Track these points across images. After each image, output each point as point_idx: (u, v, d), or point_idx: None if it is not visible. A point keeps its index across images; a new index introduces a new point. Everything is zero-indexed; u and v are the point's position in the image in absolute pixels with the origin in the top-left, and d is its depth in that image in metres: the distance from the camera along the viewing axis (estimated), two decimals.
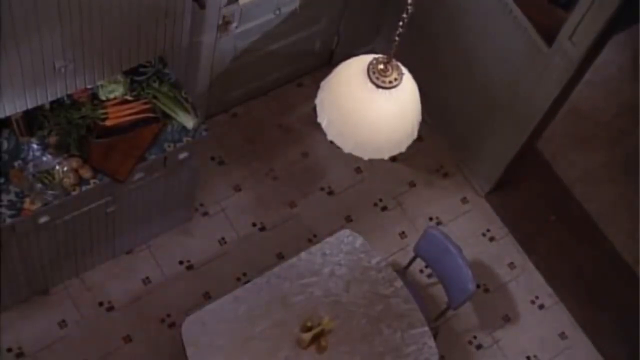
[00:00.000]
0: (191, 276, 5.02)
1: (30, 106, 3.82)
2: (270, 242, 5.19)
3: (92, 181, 4.15)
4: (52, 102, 4.13)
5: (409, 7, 2.59)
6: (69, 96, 4.20)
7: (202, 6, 4.13)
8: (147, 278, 4.97)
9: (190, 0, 3.87)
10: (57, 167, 4.09)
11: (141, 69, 4.35)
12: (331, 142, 2.78)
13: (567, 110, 4.72)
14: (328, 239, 4.51)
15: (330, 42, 5.59)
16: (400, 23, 2.61)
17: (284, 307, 4.27)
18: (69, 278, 4.84)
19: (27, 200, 4.04)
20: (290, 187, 5.39)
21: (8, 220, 4.01)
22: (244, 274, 5.05)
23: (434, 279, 5.15)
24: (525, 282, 5.34)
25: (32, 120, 4.12)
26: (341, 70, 2.70)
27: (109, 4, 3.54)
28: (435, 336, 4.45)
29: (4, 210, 4.01)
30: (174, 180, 4.59)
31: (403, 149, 2.77)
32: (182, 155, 4.41)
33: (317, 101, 2.76)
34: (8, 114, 3.80)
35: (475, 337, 5.12)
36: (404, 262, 5.08)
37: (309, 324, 4.19)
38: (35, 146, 4.13)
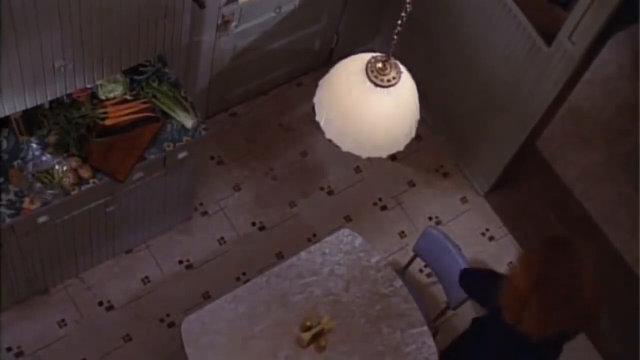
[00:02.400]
0: (191, 276, 5.03)
1: (29, 105, 3.83)
2: (270, 242, 5.19)
3: (91, 181, 4.15)
4: (51, 102, 4.13)
5: (408, 6, 2.59)
6: (68, 95, 4.20)
7: (202, 5, 4.13)
8: (147, 277, 4.98)
9: None
10: (57, 167, 4.09)
11: (141, 69, 4.35)
12: (329, 140, 2.78)
13: (567, 109, 4.72)
14: (327, 239, 4.52)
15: (330, 41, 5.59)
16: (399, 22, 2.61)
17: (284, 306, 4.27)
18: (69, 278, 4.85)
19: (27, 199, 4.04)
20: (289, 187, 5.39)
21: (7, 220, 4.01)
22: (244, 274, 5.05)
23: (433, 279, 5.15)
24: None
25: (31, 120, 4.12)
26: (339, 68, 2.70)
27: (108, 3, 3.55)
28: (434, 336, 4.45)
29: (3, 209, 4.01)
30: (173, 179, 4.59)
31: (401, 147, 2.77)
32: (182, 155, 4.41)
33: (316, 100, 2.76)
34: (7, 113, 3.80)
35: None
36: (404, 261, 5.09)
37: (308, 323, 4.19)
38: (34, 145, 4.13)
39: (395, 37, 2.63)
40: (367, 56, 2.63)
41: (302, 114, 5.60)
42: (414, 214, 5.43)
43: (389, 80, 2.59)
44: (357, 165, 5.53)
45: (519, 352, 3.82)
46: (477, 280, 4.17)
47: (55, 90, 3.82)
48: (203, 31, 4.60)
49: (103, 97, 4.28)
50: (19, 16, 3.32)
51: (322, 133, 2.81)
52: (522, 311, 3.63)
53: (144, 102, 4.33)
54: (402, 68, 2.64)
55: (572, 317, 3.65)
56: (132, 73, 4.33)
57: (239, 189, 5.33)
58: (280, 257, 5.12)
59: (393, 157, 5.55)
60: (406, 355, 4.25)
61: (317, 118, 2.76)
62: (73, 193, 4.12)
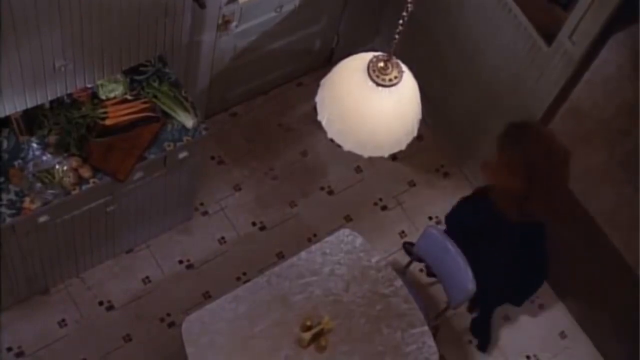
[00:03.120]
0: (191, 275, 5.02)
1: (30, 105, 3.83)
2: (270, 242, 5.19)
3: (91, 180, 4.15)
4: (51, 102, 4.13)
5: (409, 6, 2.58)
6: (68, 95, 4.20)
7: (202, 5, 4.13)
8: (147, 277, 4.97)
9: None
10: (57, 167, 4.09)
11: (141, 68, 4.35)
12: (331, 140, 2.78)
13: (567, 109, 4.71)
14: (328, 238, 4.52)
15: (330, 41, 5.59)
16: (400, 22, 2.61)
17: (284, 306, 4.27)
18: (69, 277, 4.84)
19: (27, 199, 4.04)
20: (290, 187, 5.39)
21: (8, 220, 4.01)
22: (244, 273, 5.05)
23: (433, 278, 5.15)
24: None
25: (32, 120, 4.12)
26: (341, 68, 2.69)
27: (108, 3, 3.55)
28: (435, 335, 4.45)
29: (3, 209, 4.01)
30: (173, 179, 4.59)
31: (403, 146, 2.77)
32: (182, 155, 4.41)
33: (318, 99, 2.76)
34: (8, 113, 3.80)
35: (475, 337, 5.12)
36: (404, 261, 5.09)
37: (308, 323, 4.19)
38: (35, 145, 4.13)
39: (396, 36, 2.63)
40: (368, 55, 2.63)
41: (302, 114, 5.60)
42: (414, 214, 5.43)
43: (390, 80, 2.59)
44: (358, 165, 5.53)
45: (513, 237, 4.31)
46: (459, 211, 4.42)
47: (56, 90, 3.82)
48: (203, 31, 4.60)
49: (103, 97, 4.28)
50: (19, 16, 3.32)
51: (323, 133, 2.81)
52: (527, 206, 4.04)
53: (144, 102, 4.33)
54: (404, 67, 2.63)
55: (564, 178, 4.15)
56: (132, 73, 4.33)
57: (239, 189, 5.33)
58: (281, 257, 5.12)
59: (393, 157, 5.55)
60: (406, 355, 4.25)
61: (319, 117, 2.76)
62: (73, 193, 4.12)
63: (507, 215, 4.15)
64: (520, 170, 4.04)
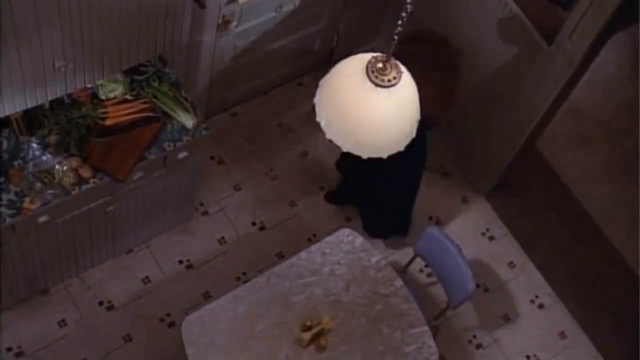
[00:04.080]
0: (191, 275, 5.02)
1: (30, 105, 3.83)
2: (270, 242, 5.19)
3: (91, 180, 4.15)
4: (52, 102, 4.13)
5: (409, 6, 2.58)
6: (68, 95, 4.21)
7: (202, 5, 4.13)
8: (147, 277, 4.98)
9: None
10: (57, 167, 4.09)
11: (141, 69, 4.36)
12: (330, 141, 2.78)
13: (567, 109, 4.71)
14: (328, 239, 4.51)
15: (330, 41, 5.59)
16: (400, 22, 2.61)
17: (284, 306, 4.27)
18: (69, 277, 4.85)
19: (27, 199, 4.05)
20: (290, 187, 5.39)
21: (8, 220, 4.01)
22: (244, 273, 5.05)
23: (433, 278, 5.15)
24: (525, 281, 5.34)
25: (32, 120, 4.12)
26: (340, 68, 2.69)
27: (108, 3, 3.55)
28: (435, 335, 4.45)
29: (3, 209, 4.01)
30: (173, 179, 4.59)
31: (402, 147, 2.77)
32: (182, 155, 4.41)
33: (316, 100, 2.75)
34: (8, 113, 3.80)
35: (474, 337, 5.12)
36: (404, 261, 5.08)
37: (308, 323, 4.19)
38: (35, 145, 4.13)
39: (395, 37, 2.63)
40: (367, 56, 2.62)
41: (302, 114, 5.60)
42: (413, 214, 5.42)
43: (389, 81, 2.58)
44: None
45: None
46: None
47: (56, 90, 3.82)
48: (203, 31, 4.60)
49: (103, 97, 4.29)
50: (19, 16, 3.33)
51: (322, 133, 2.80)
52: (450, 101, 4.24)
53: (144, 102, 4.33)
54: (403, 68, 2.63)
55: (459, 53, 4.34)
56: (132, 73, 4.33)
57: (239, 189, 5.33)
58: (281, 257, 5.12)
59: None
60: (406, 355, 4.25)
61: (318, 118, 2.75)
62: (73, 193, 4.12)
63: (438, 118, 4.32)
64: (432, 74, 4.18)
